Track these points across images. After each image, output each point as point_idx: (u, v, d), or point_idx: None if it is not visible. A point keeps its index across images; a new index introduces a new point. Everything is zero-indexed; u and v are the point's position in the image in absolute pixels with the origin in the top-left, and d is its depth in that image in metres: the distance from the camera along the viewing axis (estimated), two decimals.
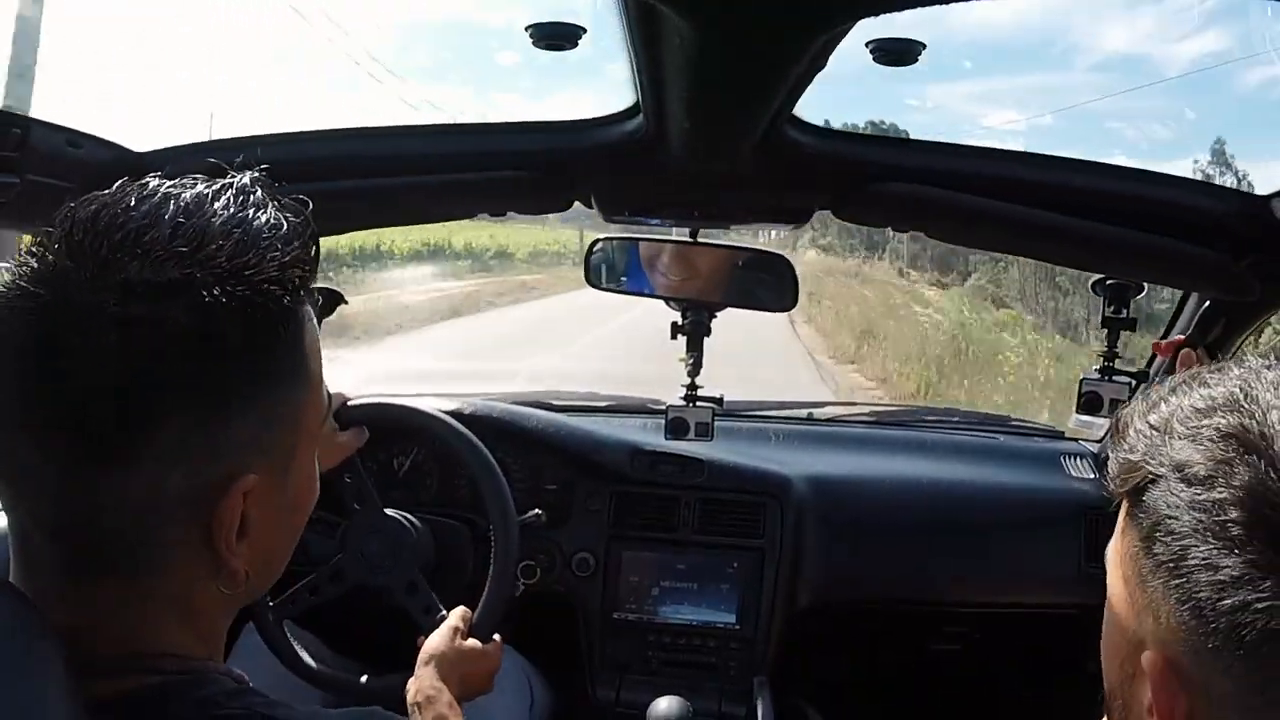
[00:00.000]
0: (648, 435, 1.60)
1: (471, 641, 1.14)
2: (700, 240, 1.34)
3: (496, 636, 1.19)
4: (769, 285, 1.38)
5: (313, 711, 0.60)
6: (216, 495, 0.53)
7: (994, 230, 1.19)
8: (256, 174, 0.57)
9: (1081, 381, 1.37)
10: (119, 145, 1.02)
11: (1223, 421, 0.48)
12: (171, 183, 0.55)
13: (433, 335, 11.56)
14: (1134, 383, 1.37)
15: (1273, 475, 0.45)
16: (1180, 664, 0.48)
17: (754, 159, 1.00)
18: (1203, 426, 0.48)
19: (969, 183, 1.09)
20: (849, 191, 1.12)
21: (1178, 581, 0.47)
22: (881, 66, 0.83)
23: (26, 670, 0.49)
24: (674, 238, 1.39)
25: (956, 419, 1.99)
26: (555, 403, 1.77)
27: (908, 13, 0.62)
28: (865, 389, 9.69)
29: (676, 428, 1.44)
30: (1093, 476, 1.66)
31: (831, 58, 0.73)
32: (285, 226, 0.55)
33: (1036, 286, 15.20)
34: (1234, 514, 0.45)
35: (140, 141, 1.04)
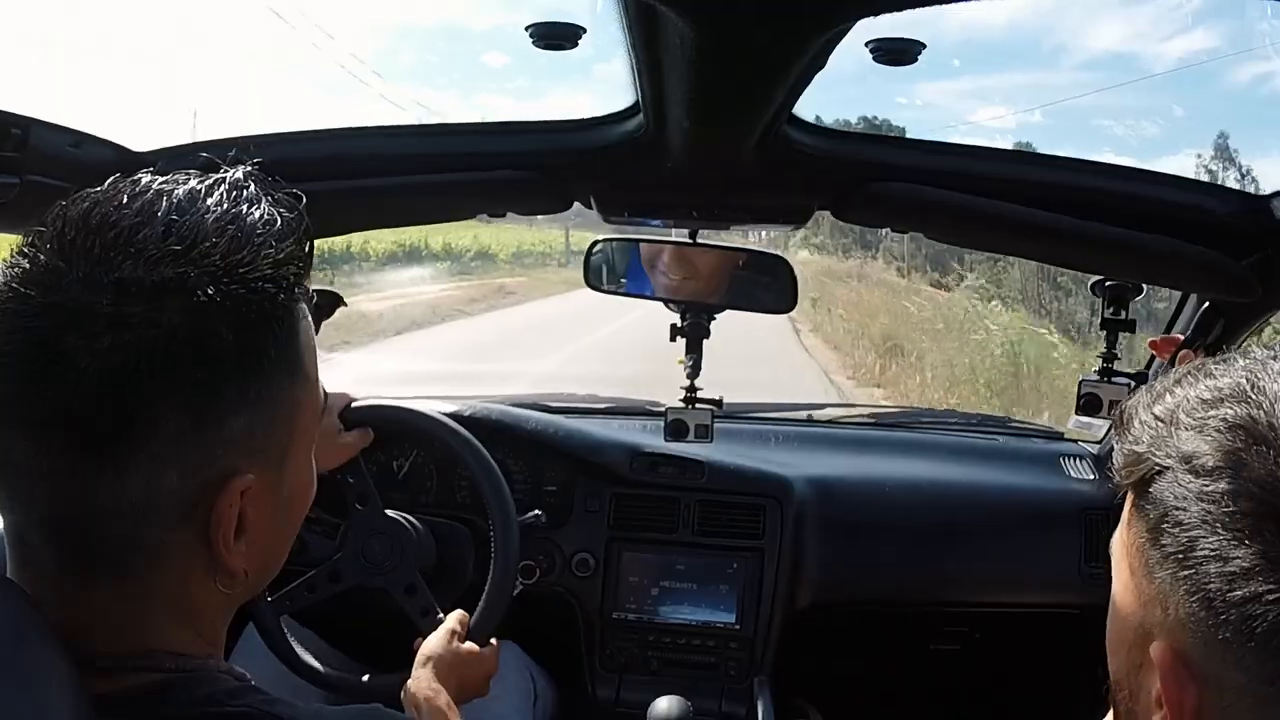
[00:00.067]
0: (647, 437, 1.60)
1: (469, 645, 1.14)
2: (699, 241, 1.34)
3: (494, 641, 1.19)
4: (769, 287, 1.38)
5: (315, 709, 0.60)
6: (213, 495, 0.53)
7: (994, 231, 1.19)
8: (250, 168, 0.57)
9: (1081, 383, 1.37)
10: (119, 145, 1.02)
11: (1230, 412, 0.47)
12: (164, 178, 0.55)
13: (382, 351, 9.53)
14: (1133, 384, 1.37)
15: None
16: (1189, 655, 0.47)
17: (754, 159, 1.00)
18: (1210, 417, 0.48)
19: (969, 183, 1.09)
20: (849, 192, 1.12)
21: (1186, 573, 0.47)
22: (874, 64, 0.83)
23: (28, 668, 0.49)
24: (673, 239, 1.39)
25: (955, 420, 2.00)
26: (555, 405, 1.77)
27: (901, 12, 0.62)
28: None
29: (676, 430, 1.44)
30: (1092, 477, 1.66)
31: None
32: (279, 222, 0.55)
33: (1039, 287, 15.14)
34: (1243, 505, 0.45)
35: (139, 142, 1.04)
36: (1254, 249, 1.07)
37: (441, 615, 1.19)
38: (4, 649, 0.49)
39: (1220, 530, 0.45)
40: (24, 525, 0.54)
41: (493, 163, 1.13)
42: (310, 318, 0.59)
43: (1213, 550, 0.45)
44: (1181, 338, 1.28)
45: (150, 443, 0.50)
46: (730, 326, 1.44)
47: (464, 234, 24.16)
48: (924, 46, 0.82)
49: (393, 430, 1.35)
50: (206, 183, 0.55)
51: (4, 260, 0.53)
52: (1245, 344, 1.26)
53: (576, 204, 1.21)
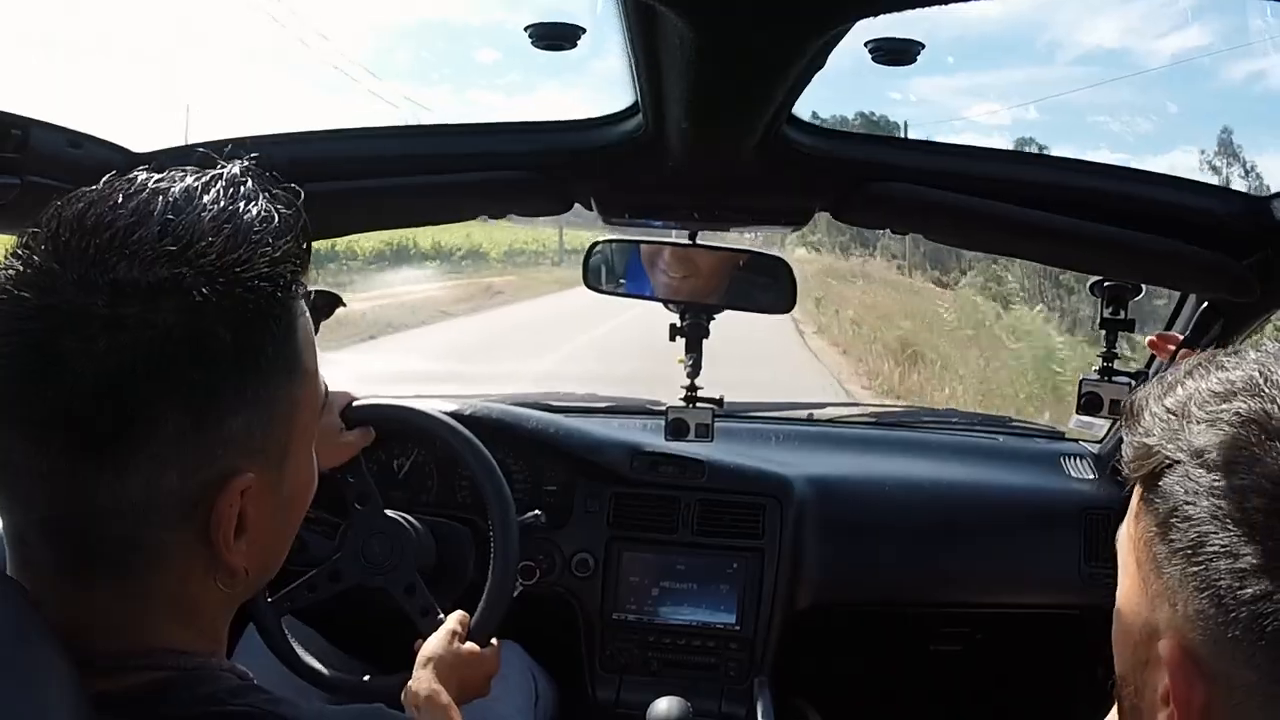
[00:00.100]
0: (647, 436, 1.60)
1: (469, 645, 1.13)
2: (699, 242, 1.34)
3: (495, 641, 1.19)
4: (768, 287, 1.38)
5: (317, 709, 0.59)
6: (213, 494, 0.53)
7: (994, 232, 1.19)
8: (246, 164, 0.56)
9: (1081, 382, 1.37)
10: (119, 146, 1.02)
11: (1243, 406, 0.47)
12: (159, 176, 0.54)
13: (346, 359, 7.83)
14: (1133, 383, 1.37)
15: None
16: (1198, 652, 0.47)
17: (753, 160, 1.00)
18: (1222, 411, 0.47)
19: (969, 184, 1.09)
20: (849, 192, 1.12)
21: (1195, 569, 0.46)
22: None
23: (28, 668, 0.49)
24: (673, 239, 1.39)
25: (956, 420, 2.00)
26: (555, 404, 1.77)
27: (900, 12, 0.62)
28: None
29: (676, 429, 1.44)
30: (1093, 477, 1.66)
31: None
32: (276, 219, 0.55)
33: (1040, 285, 15.06)
34: (1255, 501, 0.44)
35: (138, 142, 1.04)
36: (1253, 249, 1.07)
37: (441, 615, 1.19)
38: (4, 649, 0.49)
39: (1231, 526, 0.45)
40: (23, 525, 0.53)
41: (492, 163, 1.13)
42: (309, 314, 0.59)
43: (1223, 546, 0.45)
44: (1180, 337, 1.28)
45: (150, 443, 0.50)
46: (730, 327, 1.44)
47: (456, 232, 23.54)
48: (923, 46, 0.82)
49: (393, 429, 1.35)
50: (203, 180, 0.54)
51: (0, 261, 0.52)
52: (1246, 343, 1.26)
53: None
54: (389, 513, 1.30)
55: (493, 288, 16.75)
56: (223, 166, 0.56)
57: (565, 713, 1.50)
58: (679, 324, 1.39)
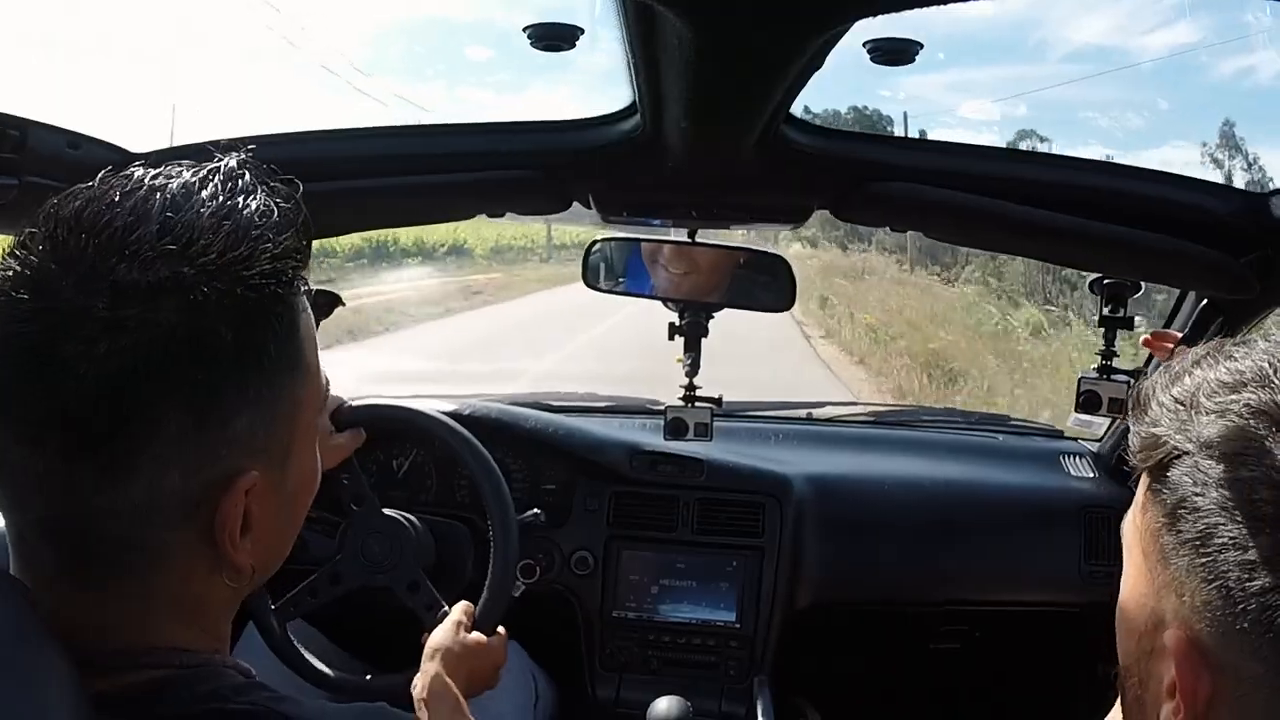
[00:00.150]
0: (647, 435, 1.60)
1: (476, 635, 1.11)
2: (698, 241, 1.34)
3: (501, 629, 1.18)
4: (768, 286, 1.38)
5: (320, 706, 0.59)
6: (216, 494, 0.53)
7: (994, 230, 1.19)
8: (244, 156, 0.56)
9: (1080, 380, 1.37)
10: (118, 146, 1.02)
11: (1252, 397, 0.47)
12: (155, 172, 0.53)
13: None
14: (1132, 381, 1.37)
15: None
16: (1205, 644, 0.47)
17: (752, 159, 1.00)
18: (1231, 402, 0.47)
19: (968, 182, 1.09)
20: (848, 191, 1.12)
21: (1204, 560, 0.46)
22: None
23: (28, 667, 0.49)
24: (671, 238, 1.39)
25: (956, 419, 2.00)
26: (554, 403, 1.77)
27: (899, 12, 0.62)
28: None
29: (675, 428, 1.45)
30: (1092, 475, 1.66)
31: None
32: (276, 214, 0.54)
33: (1043, 281, 15.00)
34: (1264, 493, 0.44)
35: (138, 143, 1.04)
36: (1253, 247, 1.08)
37: (446, 609, 1.19)
38: (4, 649, 0.49)
39: (1240, 518, 0.45)
40: (22, 525, 0.53)
41: (490, 163, 1.13)
42: (310, 310, 0.59)
43: (1231, 538, 0.45)
44: (1179, 335, 1.28)
45: (152, 444, 0.50)
46: (730, 327, 1.44)
47: (439, 227, 20.86)
48: (921, 46, 0.82)
49: (392, 429, 1.35)
50: (200, 174, 0.54)
51: None
52: (1255, 332, 1.26)
53: None
54: (387, 511, 1.30)
55: (471, 287, 15.24)
56: (219, 160, 0.55)
57: (565, 711, 1.50)
58: (678, 322, 1.40)
